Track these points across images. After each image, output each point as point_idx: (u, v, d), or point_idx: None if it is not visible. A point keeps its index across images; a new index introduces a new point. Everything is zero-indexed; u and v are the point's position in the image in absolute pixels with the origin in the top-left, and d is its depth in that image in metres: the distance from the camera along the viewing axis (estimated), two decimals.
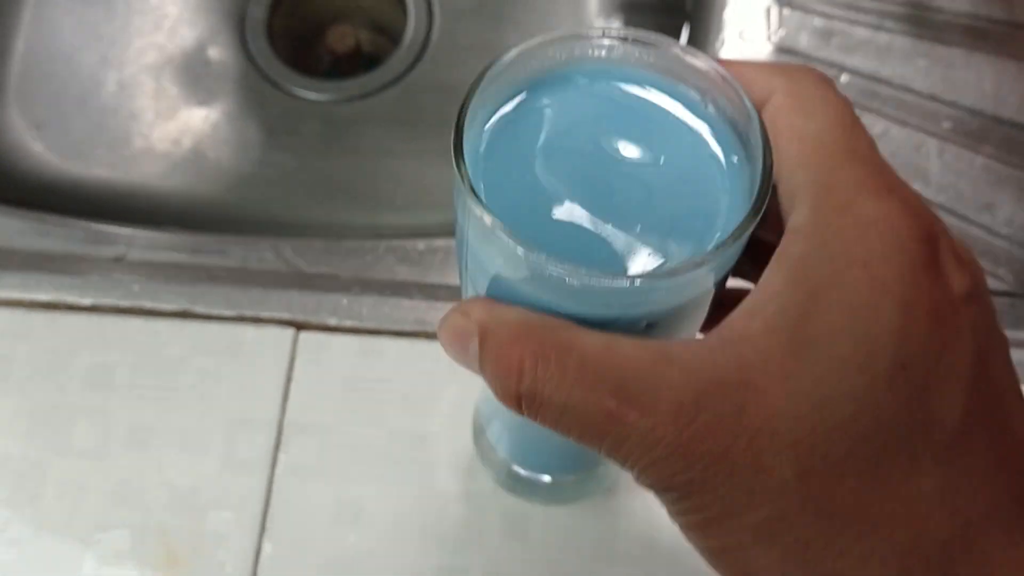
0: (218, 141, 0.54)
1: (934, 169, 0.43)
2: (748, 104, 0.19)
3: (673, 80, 0.20)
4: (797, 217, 0.18)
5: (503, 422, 0.32)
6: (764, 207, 0.18)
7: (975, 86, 0.45)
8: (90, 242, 0.42)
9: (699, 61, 0.20)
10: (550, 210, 0.19)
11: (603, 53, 0.21)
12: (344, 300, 0.40)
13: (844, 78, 0.44)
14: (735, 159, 0.20)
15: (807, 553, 0.18)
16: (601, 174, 0.20)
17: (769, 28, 0.45)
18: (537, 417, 0.19)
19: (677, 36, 0.50)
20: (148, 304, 0.40)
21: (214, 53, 0.56)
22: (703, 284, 0.19)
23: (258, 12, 0.57)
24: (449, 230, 0.51)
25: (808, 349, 0.17)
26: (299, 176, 0.54)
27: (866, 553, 0.17)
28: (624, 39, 0.20)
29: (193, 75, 0.56)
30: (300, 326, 0.40)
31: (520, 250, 0.17)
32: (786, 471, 0.17)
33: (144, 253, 0.42)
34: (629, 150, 0.20)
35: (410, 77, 0.56)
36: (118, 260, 0.41)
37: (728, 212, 0.19)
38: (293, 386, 0.39)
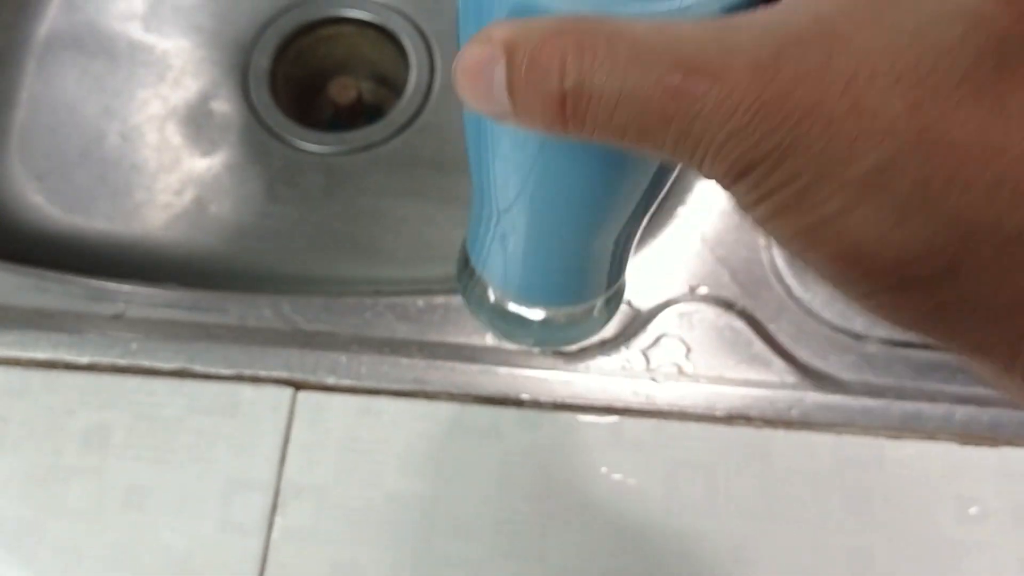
0: (220, 193, 0.54)
1: None
2: None
3: None
4: None
5: (502, 234, 0.28)
6: None
7: None
8: (89, 299, 0.42)
9: None
10: None
11: None
12: (343, 358, 0.40)
13: None
14: None
15: (926, 192, 0.15)
16: None
17: None
18: (586, 121, 0.16)
19: None
20: (146, 363, 0.40)
21: (217, 105, 0.56)
22: None
23: (261, 64, 0.57)
24: (449, 286, 0.51)
25: None
26: (300, 228, 0.54)
27: (993, 182, 0.15)
28: None
29: (196, 126, 0.56)
30: (298, 385, 0.40)
31: None
32: (894, 105, 0.15)
33: (143, 310, 0.41)
34: None
35: (410, 130, 0.56)
36: (117, 317, 0.41)
37: None
38: (291, 447, 0.39)
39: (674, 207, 0.43)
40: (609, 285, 0.29)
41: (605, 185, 0.22)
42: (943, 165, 0.15)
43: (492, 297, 0.31)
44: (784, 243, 0.17)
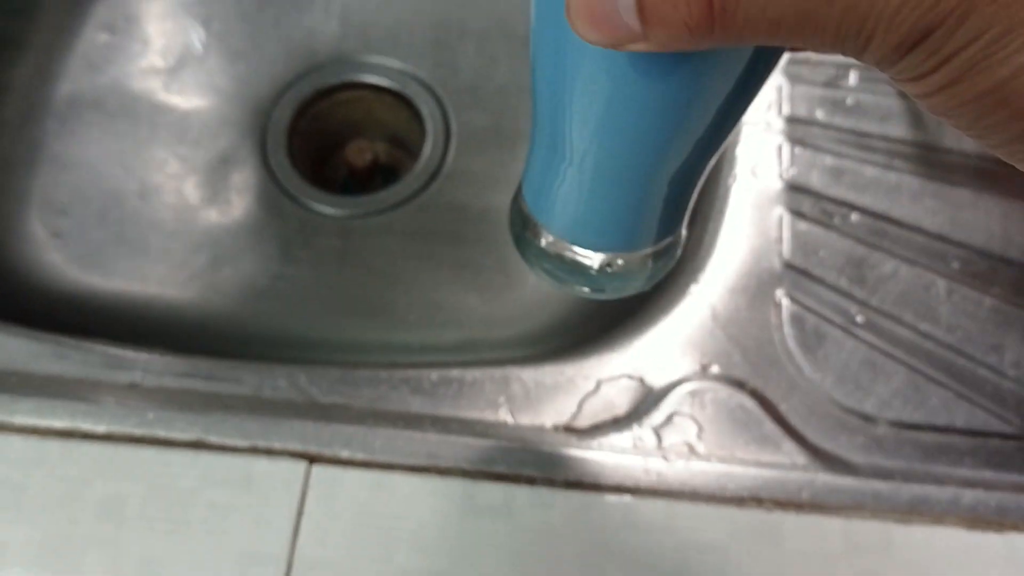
0: (236, 253, 0.55)
1: (943, 310, 0.44)
2: None
3: None
4: None
5: (568, 175, 0.28)
6: None
7: (983, 227, 0.45)
8: (106, 367, 0.42)
9: None
10: None
11: None
12: (358, 432, 0.40)
13: (854, 217, 0.45)
14: None
15: None
16: None
17: (781, 165, 0.46)
18: (736, 22, 0.15)
19: None
20: (162, 433, 0.40)
21: (235, 165, 0.57)
22: None
23: (280, 126, 0.58)
24: (461, 353, 0.52)
25: None
26: (314, 290, 0.54)
27: None
28: None
29: (213, 187, 0.57)
30: (313, 458, 0.40)
31: None
32: None
33: (159, 379, 0.42)
34: None
35: (425, 195, 0.57)
36: (133, 386, 0.42)
37: None
38: (304, 520, 0.39)
39: (686, 285, 0.44)
40: (668, 234, 0.30)
41: (684, 114, 0.22)
42: None
43: (546, 242, 0.31)
44: (959, 111, 0.16)
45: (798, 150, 0.47)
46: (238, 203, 0.56)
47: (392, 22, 0.61)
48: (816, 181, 0.46)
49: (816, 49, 0.16)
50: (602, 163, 0.25)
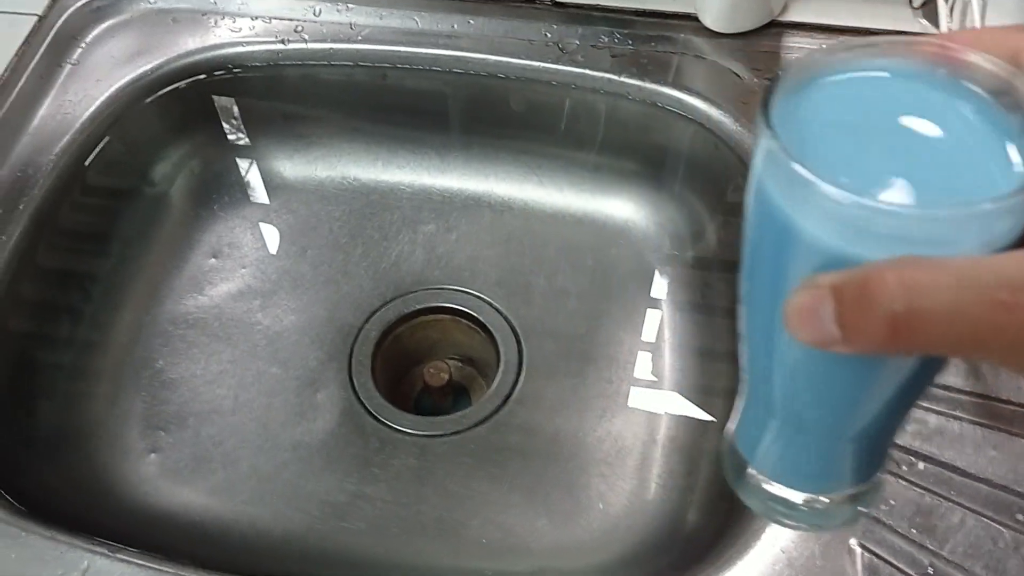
0: (317, 471, 0.58)
1: (1012, 564, 0.44)
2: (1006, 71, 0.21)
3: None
4: None
5: (777, 428, 0.31)
6: None
7: None
8: None
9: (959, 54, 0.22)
10: (855, 174, 0.20)
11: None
12: None
13: (921, 465, 0.47)
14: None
15: None
16: (901, 151, 0.21)
17: None
18: (916, 339, 0.19)
19: None
20: None
21: (322, 384, 0.61)
22: None
23: (365, 349, 0.62)
24: None
25: None
26: (391, 510, 0.56)
27: None
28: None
29: (300, 405, 0.60)
30: None
31: (859, 200, 0.19)
32: None
33: None
34: (922, 131, 0.22)
35: (498, 417, 0.60)
36: None
37: None
38: None
39: (760, 528, 0.46)
40: (868, 479, 0.32)
41: (881, 387, 0.25)
42: None
43: (756, 480, 0.34)
44: None
45: None
46: (322, 420, 0.60)
47: (471, 253, 0.66)
48: None
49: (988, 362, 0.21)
50: (807, 423, 0.29)
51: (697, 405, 0.59)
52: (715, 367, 0.60)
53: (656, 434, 0.58)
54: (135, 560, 0.45)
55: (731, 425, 0.33)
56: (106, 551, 0.45)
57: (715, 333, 0.62)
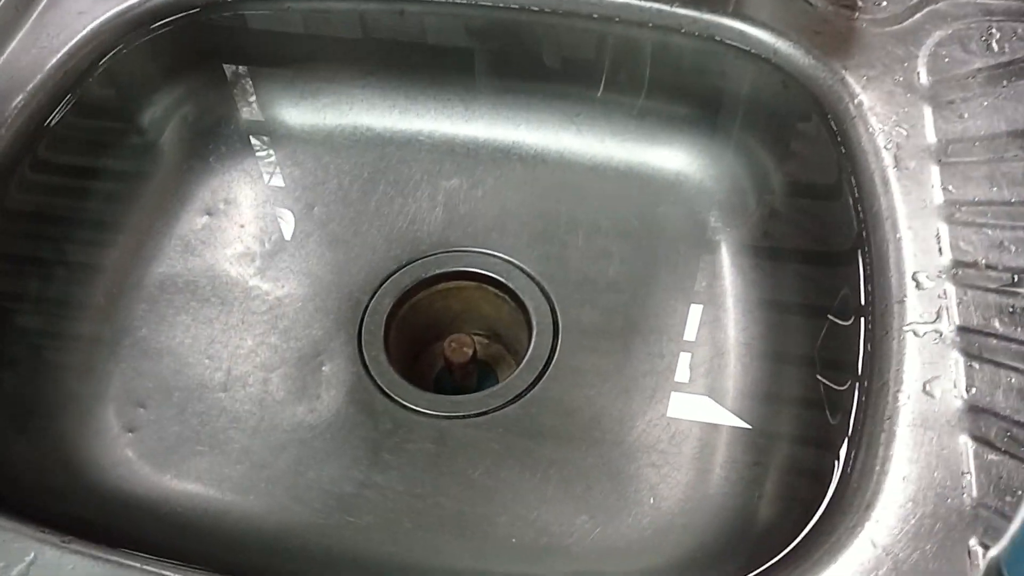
0: (320, 456, 0.50)
1: None
2: None
3: None
4: None
5: None
6: None
7: None
8: None
9: None
10: None
11: None
12: None
13: None
14: None
15: None
16: None
17: (957, 384, 0.40)
18: None
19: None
20: None
21: (327, 357, 0.53)
22: None
23: (376, 318, 0.55)
24: None
25: None
26: (404, 502, 0.49)
27: None
28: None
29: (302, 381, 0.53)
30: None
31: None
32: None
33: None
34: None
35: (530, 396, 0.52)
36: None
37: None
38: None
39: (855, 524, 0.37)
40: None
41: None
42: None
43: None
44: None
45: (976, 366, 0.41)
46: (327, 398, 0.52)
47: (498, 212, 0.59)
48: (1002, 403, 0.40)
49: None
50: None
51: (764, 382, 0.51)
52: (785, 339, 0.52)
53: (717, 416, 0.50)
54: (90, 552, 0.37)
55: (997, 551, 0.31)
56: (58, 541, 0.37)
57: (783, 300, 0.53)
